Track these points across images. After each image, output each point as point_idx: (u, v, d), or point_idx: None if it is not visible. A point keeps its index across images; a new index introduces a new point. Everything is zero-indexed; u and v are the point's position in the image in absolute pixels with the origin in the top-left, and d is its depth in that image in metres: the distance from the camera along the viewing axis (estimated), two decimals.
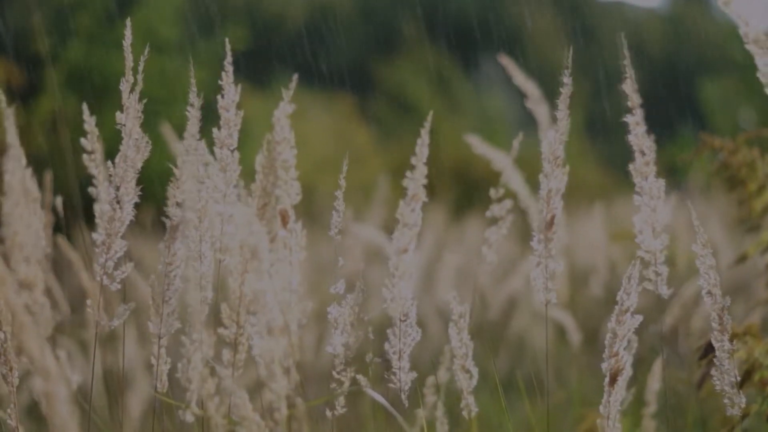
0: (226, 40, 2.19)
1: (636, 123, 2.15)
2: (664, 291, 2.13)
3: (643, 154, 2.14)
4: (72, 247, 3.01)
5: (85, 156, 2.40)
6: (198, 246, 2.12)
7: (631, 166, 2.15)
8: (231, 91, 2.18)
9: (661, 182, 2.14)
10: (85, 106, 2.36)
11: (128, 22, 2.15)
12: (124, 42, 2.15)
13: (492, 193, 2.63)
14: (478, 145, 3.32)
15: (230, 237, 2.03)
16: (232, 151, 2.17)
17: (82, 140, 2.35)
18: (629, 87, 2.14)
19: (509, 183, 3.40)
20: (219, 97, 2.17)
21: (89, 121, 2.34)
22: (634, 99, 2.14)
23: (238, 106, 2.18)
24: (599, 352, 2.08)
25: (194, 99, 2.15)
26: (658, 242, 2.13)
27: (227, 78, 2.17)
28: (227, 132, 2.17)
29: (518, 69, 3.70)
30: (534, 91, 3.73)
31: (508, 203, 2.64)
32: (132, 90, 2.15)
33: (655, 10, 26.65)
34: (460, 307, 2.24)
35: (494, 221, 2.64)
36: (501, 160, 3.32)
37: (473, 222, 7.73)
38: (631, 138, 2.14)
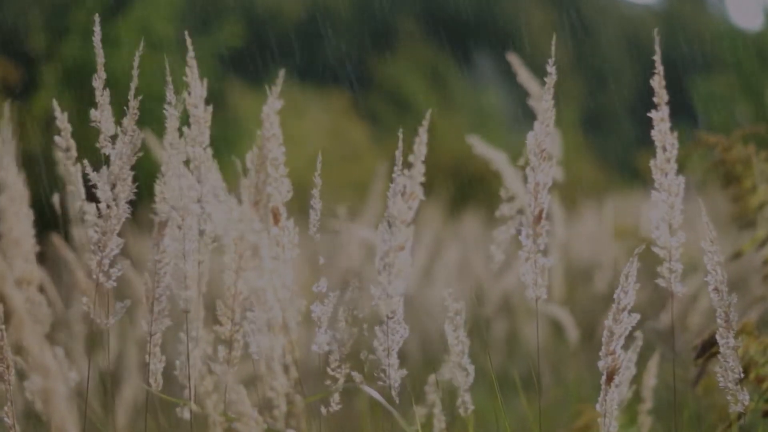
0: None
1: (661, 119, 2.13)
2: (679, 288, 2.11)
3: (664, 150, 2.13)
4: (68, 245, 3.00)
5: (60, 154, 2.34)
6: (182, 244, 2.10)
7: (651, 162, 2.13)
8: (198, 87, 2.14)
9: (681, 179, 2.13)
10: (55, 103, 2.32)
11: (96, 18, 2.13)
12: (93, 38, 2.12)
13: (502, 192, 2.61)
14: (478, 145, 3.29)
15: (225, 234, 2.01)
16: (205, 149, 2.14)
17: (56, 138, 2.31)
18: (657, 83, 2.12)
19: (508, 182, 3.39)
20: (186, 94, 2.14)
21: (61, 118, 2.30)
22: (661, 95, 2.13)
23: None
24: (597, 349, 2.07)
25: (171, 97, 2.12)
26: (675, 239, 2.12)
27: (192, 74, 2.13)
28: (198, 129, 2.14)
29: (521, 66, 3.68)
30: (537, 89, 3.72)
31: (517, 203, 2.61)
32: (105, 87, 2.13)
33: (651, 6, 26.65)
34: (456, 304, 2.24)
35: (503, 221, 2.62)
36: (500, 160, 3.30)
37: (469, 219, 7.72)
38: (654, 133, 2.12)
